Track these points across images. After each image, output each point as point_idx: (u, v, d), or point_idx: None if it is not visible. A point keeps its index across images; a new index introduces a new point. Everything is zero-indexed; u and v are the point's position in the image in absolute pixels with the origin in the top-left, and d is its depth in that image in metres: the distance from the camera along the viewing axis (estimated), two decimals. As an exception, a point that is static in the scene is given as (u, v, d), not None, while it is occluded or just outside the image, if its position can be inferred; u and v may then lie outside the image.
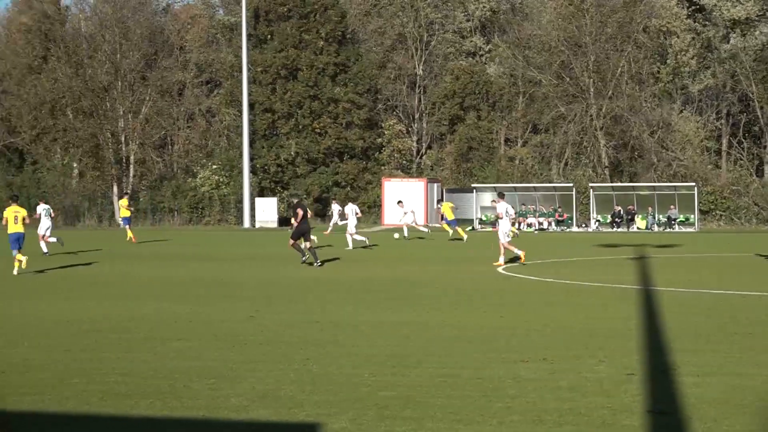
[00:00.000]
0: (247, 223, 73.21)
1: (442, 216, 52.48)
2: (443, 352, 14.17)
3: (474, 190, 71.92)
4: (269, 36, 79.94)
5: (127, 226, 50.86)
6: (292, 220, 33.41)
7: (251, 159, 74.59)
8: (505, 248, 32.34)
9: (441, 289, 23.86)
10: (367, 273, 29.20)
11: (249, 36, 75.62)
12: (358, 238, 44.03)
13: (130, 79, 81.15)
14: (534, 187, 73.28)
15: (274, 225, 71.97)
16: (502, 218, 32.78)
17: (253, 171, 76.06)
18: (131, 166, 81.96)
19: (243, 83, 73.50)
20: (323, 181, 77.62)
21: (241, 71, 74.53)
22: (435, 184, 73.88)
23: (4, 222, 30.41)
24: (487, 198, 72.14)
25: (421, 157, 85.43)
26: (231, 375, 12.36)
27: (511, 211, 33.75)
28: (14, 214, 30.23)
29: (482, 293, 22.97)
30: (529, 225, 68.72)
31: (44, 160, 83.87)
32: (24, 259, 29.92)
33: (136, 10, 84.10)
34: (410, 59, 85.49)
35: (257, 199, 74.17)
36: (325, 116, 78.00)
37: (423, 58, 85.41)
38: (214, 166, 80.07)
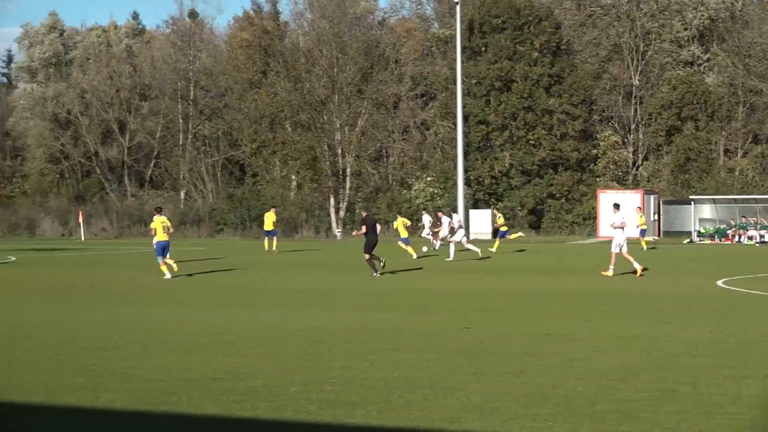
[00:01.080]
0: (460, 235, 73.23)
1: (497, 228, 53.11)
2: (660, 365, 13.90)
3: (692, 202, 70.40)
4: (483, 48, 80.00)
5: (274, 238, 52.32)
6: (353, 232, 34.54)
7: (465, 171, 74.59)
8: (616, 258, 32.43)
9: (656, 303, 23.39)
10: (576, 285, 28.80)
11: (463, 48, 75.72)
12: (472, 248, 44.26)
13: (347, 92, 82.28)
14: (755, 198, 71.18)
15: (488, 237, 71.87)
16: (617, 229, 32.73)
17: (468, 183, 76.05)
18: (347, 178, 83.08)
19: (457, 95, 73.57)
20: (537, 193, 77.18)
21: (455, 83, 74.63)
22: (651, 196, 72.61)
23: (153, 232, 33.26)
24: (705, 210, 70.53)
25: (637, 169, 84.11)
26: (445, 386, 12.39)
27: (627, 222, 33.78)
28: (161, 224, 32.93)
29: (700, 307, 22.46)
30: (750, 238, 66.78)
31: (264, 172, 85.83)
32: (173, 263, 33.12)
33: (353, 25, 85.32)
34: (626, 69, 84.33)
35: (471, 211, 74.20)
36: (540, 128, 77.53)
37: (639, 68, 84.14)
38: (429, 178, 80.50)
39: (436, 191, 79.15)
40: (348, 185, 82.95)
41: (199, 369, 13.89)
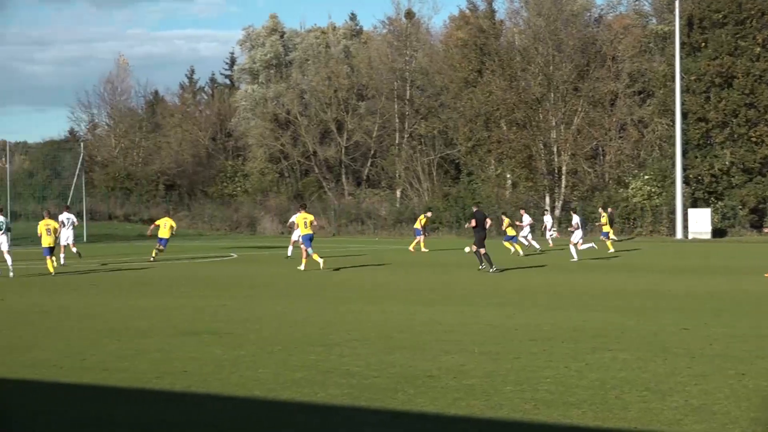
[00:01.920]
0: (679, 234, 72.04)
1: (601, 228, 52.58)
2: None
3: None
4: (703, 44, 78.31)
5: (420, 237, 54.43)
6: (466, 225, 35.35)
7: (684, 169, 73.34)
8: None
9: None
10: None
11: (682, 44, 74.42)
12: (577, 249, 43.60)
13: (563, 90, 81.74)
14: None
15: (708, 237, 70.44)
16: None
17: (686, 181, 74.72)
18: (563, 176, 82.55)
19: (676, 92, 72.42)
20: (759, 192, 75.13)
21: (673, 80, 73.46)
22: None
23: (296, 226, 37.78)
24: None
25: None
26: (664, 388, 12.24)
27: None
28: (304, 219, 36.82)
29: None
30: None
31: (479, 171, 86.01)
32: (321, 260, 35.95)
33: (569, 22, 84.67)
34: None
35: (690, 210, 72.86)
36: (762, 125, 75.47)
37: None
38: (646, 177, 79.24)
39: (653, 190, 77.87)
40: (563, 184, 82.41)
41: (418, 366, 14.07)
